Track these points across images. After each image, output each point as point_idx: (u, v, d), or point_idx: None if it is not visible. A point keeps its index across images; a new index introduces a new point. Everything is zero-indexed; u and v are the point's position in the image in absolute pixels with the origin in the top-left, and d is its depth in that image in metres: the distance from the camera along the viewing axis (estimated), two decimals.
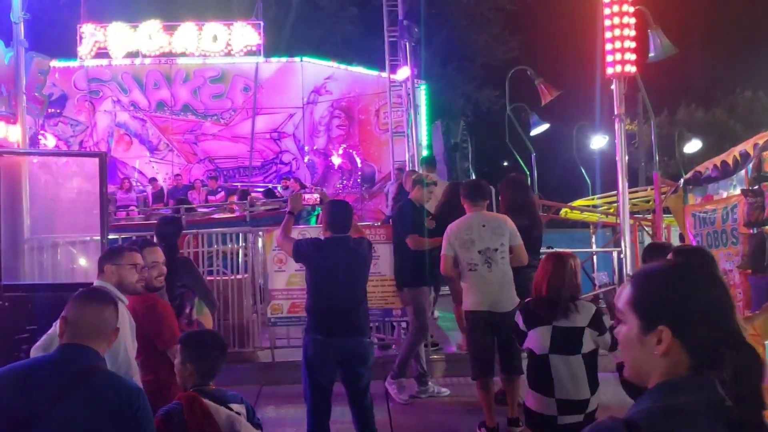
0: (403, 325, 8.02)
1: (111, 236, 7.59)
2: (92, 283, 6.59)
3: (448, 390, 7.20)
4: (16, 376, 2.74)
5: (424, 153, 15.74)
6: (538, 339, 4.42)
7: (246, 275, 8.20)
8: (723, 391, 1.52)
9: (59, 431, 2.62)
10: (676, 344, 1.55)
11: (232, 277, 8.16)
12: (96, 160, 7.12)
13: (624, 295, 1.66)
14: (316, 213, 12.49)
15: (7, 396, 2.68)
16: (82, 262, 7.66)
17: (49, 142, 17.86)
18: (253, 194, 15.21)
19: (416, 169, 12.45)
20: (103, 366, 2.86)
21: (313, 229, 7.84)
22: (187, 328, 5.34)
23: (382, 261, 7.40)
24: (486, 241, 5.87)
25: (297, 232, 6.40)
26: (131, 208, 15.47)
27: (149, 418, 2.82)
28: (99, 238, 6.92)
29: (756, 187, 6.30)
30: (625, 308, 1.65)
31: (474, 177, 18.45)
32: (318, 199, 5.87)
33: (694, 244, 7.60)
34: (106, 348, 2.91)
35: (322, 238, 5.15)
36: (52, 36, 18.03)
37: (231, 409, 3.28)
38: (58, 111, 18.49)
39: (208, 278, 8.05)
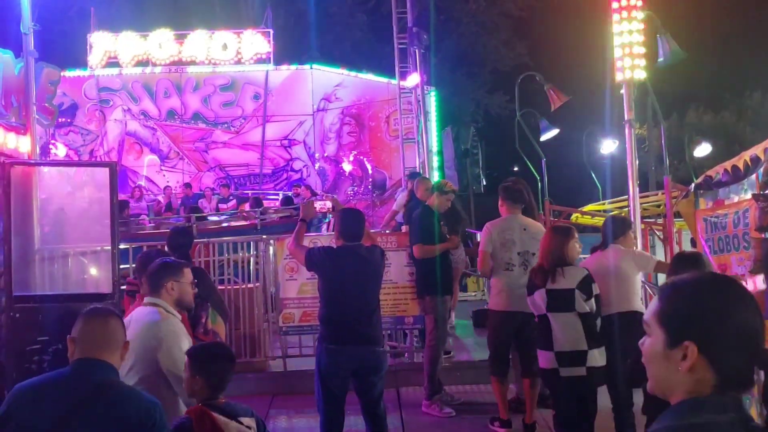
0: (415, 333, 7.99)
1: (122, 246, 7.63)
2: (104, 294, 6.62)
3: (461, 398, 7.18)
4: (32, 392, 2.75)
5: (435, 161, 15.76)
6: (536, 301, 5.13)
7: (257, 284, 8.20)
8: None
9: None
10: (702, 361, 1.51)
11: (244, 286, 8.17)
12: (106, 170, 7.16)
13: (651, 307, 1.64)
14: (326, 220, 12.51)
15: (22, 413, 2.68)
16: (93, 272, 7.68)
17: (60, 151, 17.95)
18: (267, 202, 15.23)
19: (427, 176, 12.46)
20: (117, 379, 2.86)
21: (324, 237, 7.85)
22: (203, 337, 5.35)
23: (394, 268, 7.38)
24: (526, 244, 6.11)
25: (308, 240, 6.40)
26: (142, 217, 15.52)
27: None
28: (110, 248, 6.95)
29: (767, 191, 6.25)
30: (651, 321, 1.62)
31: (484, 183, 18.45)
32: (330, 207, 5.88)
33: (706, 248, 7.56)
34: (119, 361, 2.91)
35: (335, 246, 5.15)
36: (62, 46, 18.16)
37: (241, 423, 3.26)
38: (69, 120, 18.58)
39: (219, 287, 8.06)
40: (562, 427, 5.13)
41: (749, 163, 6.64)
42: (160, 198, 17.31)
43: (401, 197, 11.01)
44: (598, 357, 4.97)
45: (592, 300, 5.02)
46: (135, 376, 3.61)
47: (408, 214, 8.60)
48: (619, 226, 5.80)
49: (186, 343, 3.73)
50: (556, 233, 5.26)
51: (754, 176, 6.61)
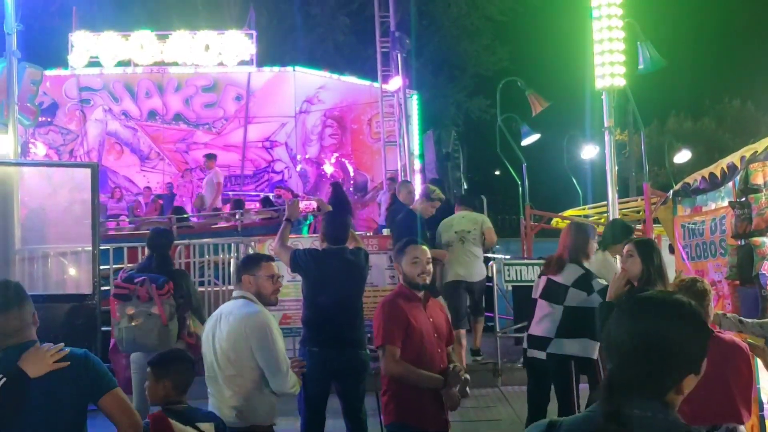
0: None
1: (103, 246, 7.59)
2: (84, 295, 6.61)
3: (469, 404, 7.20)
4: None
5: (417, 165, 15.81)
6: (536, 285, 5.53)
7: None
8: None
9: None
10: None
11: (224, 288, 8.16)
12: (88, 170, 7.13)
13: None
14: (308, 222, 12.50)
15: None
16: (73, 272, 7.65)
17: (40, 150, 17.81)
18: (248, 204, 15.19)
19: (408, 179, 12.51)
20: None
21: (305, 240, 7.86)
22: (188, 340, 5.36)
23: (375, 271, 7.43)
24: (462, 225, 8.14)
25: (289, 243, 6.41)
26: (122, 217, 15.43)
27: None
28: (90, 248, 6.92)
29: (743, 199, 6.34)
30: None
31: (466, 186, 18.56)
32: (315, 207, 5.93)
33: (684, 254, 7.65)
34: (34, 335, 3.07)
35: (320, 248, 5.17)
36: (44, 44, 18.00)
37: (198, 429, 3.44)
38: (49, 120, 18.41)
39: (200, 289, 8.05)
40: (528, 400, 5.58)
41: (726, 170, 6.72)
42: (140, 198, 17.20)
43: (384, 200, 11.06)
44: (566, 346, 5.19)
45: (595, 294, 5.15)
46: (232, 369, 3.82)
47: (390, 218, 8.65)
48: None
49: (279, 337, 3.94)
50: (579, 231, 5.61)
51: (730, 184, 6.70)
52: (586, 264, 5.45)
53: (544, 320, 5.30)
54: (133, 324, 5.45)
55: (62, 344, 3.00)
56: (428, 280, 4.25)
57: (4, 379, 2.82)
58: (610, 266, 6.03)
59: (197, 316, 5.55)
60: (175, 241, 8.70)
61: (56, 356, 2.92)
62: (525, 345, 5.51)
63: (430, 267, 4.24)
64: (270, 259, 4.19)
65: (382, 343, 4.02)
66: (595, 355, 5.25)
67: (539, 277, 5.61)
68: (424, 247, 4.25)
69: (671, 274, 8.20)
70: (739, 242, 6.34)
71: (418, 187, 11.63)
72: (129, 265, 7.81)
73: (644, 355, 1.75)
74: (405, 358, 3.99)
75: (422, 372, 3.99)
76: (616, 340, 1.80)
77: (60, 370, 2.90)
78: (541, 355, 5.24)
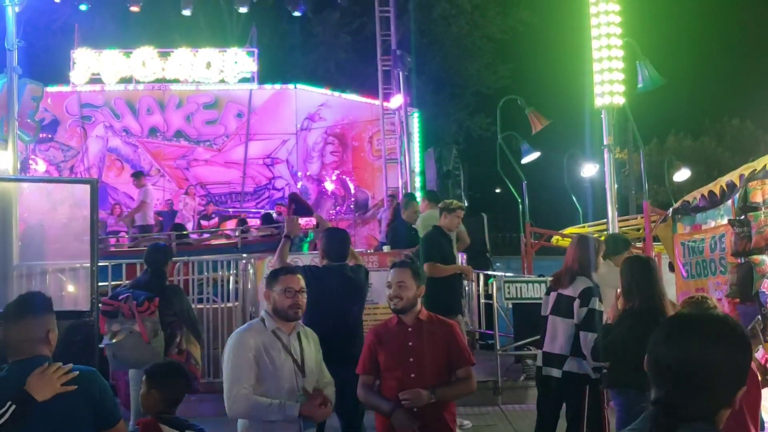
0: None
1: (101, 263, 7.57)
2: (82, 311, 6.58)
3: (470, 422, 7.12)
4: None
5: (418, 182, 15.84)
6: (545, 302, 5.46)
7: (236, 303, 8.17)
8: None
9: None
10: None
11: (223, 305, 8.14)
12: (87, 186, 7.13)
13: None
14: (308, 239, 12.49)
15: None
16: (71, 289, 7.63)
17: (40, 167, 17.84)
18: (250, 222, 15.19)
19: (414, 196, 12.52)
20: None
21: (305, 257, 7.84)
22: (176, 357, 5.32)
23: (374, 289, 7.39)
24: None
25: (289, 260, 6.40)
26: (121, 234, 15.42)
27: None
28: (89, 265, 6.90)
29: (742, 217, 6.34)
30: None
31: (466, 204, 18.56)
32: (315, 223, 5.91)
33: (684, 272, 7.64)
34: (49, 351, 3.04)
35: (320, 265, 5.15)
36: (46, 61, 18.10)
37: None
38: (50, 136, 18.46)
39: (198, 306, 8.03)
40: (538, 420, 5.48)
41: (725, 188, 6.73)
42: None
43: (385, 217, 11.05)
44: (582, 364, 5.13)
45: (584, 309, 5.14)
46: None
47: (391, 234, 8.63)
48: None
49: (242, 355, 3.77)
50: (586, 244, 5.52)
51: (729, 202, 6.70)
52: (594, 276, 5.42)
53: (558, 337, 5.26)
54: (114, 341, 5.43)
55: (70, 365, 2.92)
56: (399, 305, 4.15)
57: (14, 407, 2.74)
58: (616, 273, 6.00)
59: (193, 333, 5.51)
60: (175, 258, 8.70)
61: (63, 378, 2.84)
62: (540, 363, 5.42)
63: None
64: (290, 271, 4.11)
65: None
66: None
67: (547, 294, 5.55)
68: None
69: (671, 293, 8.22)
70: (739, 260, 6.33)
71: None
72: (127, 282, 7.79)
73: (696, 379, 1.73)
74: (383, 385, 4.13)
75: (374, 399, 4.12)
76: (664, 364, 1.77)
77: (67, 395, 2.83)
78: (557, 373, 5.21)
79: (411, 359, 4.06)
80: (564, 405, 5.31)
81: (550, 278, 5.80)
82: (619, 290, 5.17)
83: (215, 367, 7.91)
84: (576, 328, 5.16)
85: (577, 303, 5.18)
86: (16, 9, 7.83)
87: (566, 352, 5.17)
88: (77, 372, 2.90)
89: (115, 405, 3.06)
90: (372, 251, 11.23)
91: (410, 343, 4.09)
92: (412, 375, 4.03)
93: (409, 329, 4.14)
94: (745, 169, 6.38)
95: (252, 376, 3.71)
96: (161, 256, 5.97)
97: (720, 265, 6.82)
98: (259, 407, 3.67)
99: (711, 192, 6.97)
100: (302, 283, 4.01)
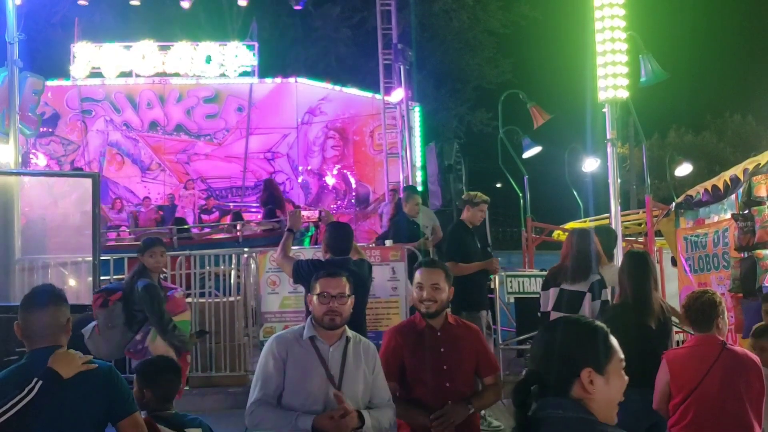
0: None
1: (103, 257, 7.57)
2: (84, 305, 6.56)
3: (502, 424, 6.93)
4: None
5: (419, 176, 15.81)
6: (545, 298, 5.36)
7: (238, 297, 8.16)
8: None
9: None
10: None
11: (225, 300, 8.13)
12: (89, 180, 7.12)
13: None
14: (309, 233, 12.48)
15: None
16: (73, 282, 7.62)
17: (41, 161, 17.81)
18: (250, 215, 15.19)
19: (414, 189, 12.49)
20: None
21: (307, 251, 7.83)
22: (131, 355, 5.28)
23: (377, 282, 7.36)
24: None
25: (291, 254, 6.39)
26: (122, 228, 15.41)
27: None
28: (90, 258, 6.90)
29: (746, 211, 6.33)
30: None
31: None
32: (317, 216, 5.88)
33: (686, 267, 7.63)
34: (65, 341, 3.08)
35: (323, 259, 5.13)
36: (46, 55, 18.05)
37: None
38: (50, 130, 18.42)
39: (200, 300, 8.02)
40: None
41: (729, 183, 6.72)
42: (141, 209, 17.19)
43: (387, 211, 11.01)
44: None
45: (598, 302, 5.12)
46: None
47: (394, 228, 8.61)
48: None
49: (265, 363, 3.54)
50: (585, 237, 5.39)
51: (733, 196, 6.69)
52: (601, 270, 5.37)
53: None
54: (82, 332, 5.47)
55: (90, 356, 3.03)
56: (432, 308, 3.81)
57: (40, 382, 2.80)
58: (612, 271, 5.99)
59: (159, 332, 5.39)
60: (176, 252, 8.69)
61: (84, 358, 2.95)
62: None
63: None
64: (330, 274, 3.64)
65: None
66: None
67: (545, 289, 5.44)
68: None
69: (673, 287, 8.22)
70: (742, 255, 6.33)
71: None
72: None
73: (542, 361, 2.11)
74: (408, 395, 3.79)
75: (408, 410, 3.75)
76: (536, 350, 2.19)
77: (88, 379, 2.91)
78: None
79: (444, 367, 3.77)
80: None
81: (545, 273, 5.75)
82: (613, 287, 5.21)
83: (217, 362, 7.92)
84: None
85: (588, 297, 5.12)
86: (17, 2, 7.80)
87: None
88: (96, 365, 3.00)
89: (130, 397, 3.10)
90: (373, 245, 11.21)
91: (442, 349, 3.81)
92: (447, 384, 3.76)
93: (438, 333, 3.85)
94: (750, 164, 6.37)
95: (272, 386, 3.45)
96: (140, 248, 5.85)
97: (723, 259, 6.81)
98: (272, 418, 3.40)
99: (714, 186, 6.96)
100: (345, 286, 3.57)
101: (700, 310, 4.00)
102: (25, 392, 2.77)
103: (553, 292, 5.31)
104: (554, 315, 5.22)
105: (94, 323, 5.43)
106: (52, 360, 2.87)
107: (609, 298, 5.24)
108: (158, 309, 5.37)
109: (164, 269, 8.17)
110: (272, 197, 13.99)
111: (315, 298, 3.53)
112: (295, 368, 3.46)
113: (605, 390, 2.06)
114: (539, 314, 5.50)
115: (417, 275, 3.88)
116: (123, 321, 5.42)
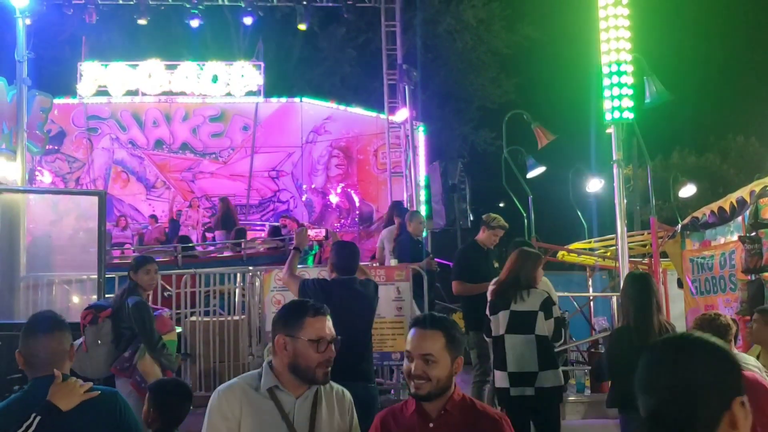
0: (401, 369, 7.95)
1: (108, 275, 7.56)
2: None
3: None
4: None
5: (423, 195, 15.84)
6: (495, 323, 5.25)
7: (243, 316, 8.14)
8: None
9: None
10: None
11: (229, 318, 8.10)
12: (95, 198, 7.13)
13: None
14: (313, 252, 12.46)
15: None
16: (77, 300, 7.61)
17: (46, 178, 17.88)
18: (253, 233, 15.20)
19: (417, 209, 12.50)
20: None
21: (312, 270, 7.82)
22: (118, 372, 5.26)
23: (382, 302, 7.30)
24: None
25: (297, 272, 6.38)
26: (126, 246, 15.42)
27: None
28: (96, 276, 6.89)
29: (753, 233, 6.32)
30: None
31: (471, 218, 18.55)
32: (324, 236, 5.88)
33: (692, 289, 7.60)
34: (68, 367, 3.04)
35: (329, 278, 5.11)
36: (53, 73, 18.16)
37: None
38: (56, 147, 18.51)
39: (205, 319, 8.00)
40: None
41: (735, 205, 6.71)
42: (149, 227, 17.21)
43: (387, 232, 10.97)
44: (552, 377, 5.07)
45: (551, 321, 5.13)
46: None
47: (398, 248, 8.59)
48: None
49: (213, 426, 2.78)
50: (529, 257, 5.38)
51: (740, 218, 6.68)
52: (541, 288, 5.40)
53: (523, 355, 5.07)
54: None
55: (91, 384, 2.94)
56: (424, 389, 2.75)
57: (39, 418, 2.72)
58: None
59: (149, 351, 5.37)
60: (181, 270, 8.69)
61: (86, 386, 2.87)
62: (504, 384, 5.10)
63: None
64: (319, 311, 2.89)
65: None
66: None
67: (494, 314, 5.30)
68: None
69: (678, 308, 8.18)
70: (749, 277, 6.30)
71: None
72: None
73: (682, 395, 1.72)
74: None
75: None
76: (656, 383, 1.78)
77: (90, 408, 2.83)
78: (531, 391, 5.04)
79: None
80: (531, 423, 5.16)
81: (489, 297, 5.52)
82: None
83: (221, 381, 7.87)
84: (544, 342, 5.11)
85: (541, 316, 5.11)
86: (27, 21, 7.86)
87: (536, 369, 5.03)
88: (98, 391, 2.92)
89: (136, 425, 3.04)
90: (377, 264, 11.19)
91: None
92: None
93: (431, 425, 2.78)
94: (756, 185, 6.36)
95: None
96: (132, 266, 5.83)
97: (730, 281, 6.79)
98: None
99: (721, 208, 6.95)
100: (331, 326, 2.89)
101: (715, 334, 3.98)
102: (23, 429, 2.69)
103: (503, 316, 5.21)
104: (509, 338, 5.12)
105: (80, 340, 5.39)
106: (52, 392, 2.78)
107: (559, 314, 5.36)
108: (149, 326, 5.36)
109: (168, 288, 8.19)
110: (226, 219, 14.36)
111: (305, 344, 2.79)
112: (253, 426, 2.73)
113: (748, 422, 1.71)
114: (490, 339, 5.40)
115: (408, 337, 2.83)
116: (111, 338, 5.41)
